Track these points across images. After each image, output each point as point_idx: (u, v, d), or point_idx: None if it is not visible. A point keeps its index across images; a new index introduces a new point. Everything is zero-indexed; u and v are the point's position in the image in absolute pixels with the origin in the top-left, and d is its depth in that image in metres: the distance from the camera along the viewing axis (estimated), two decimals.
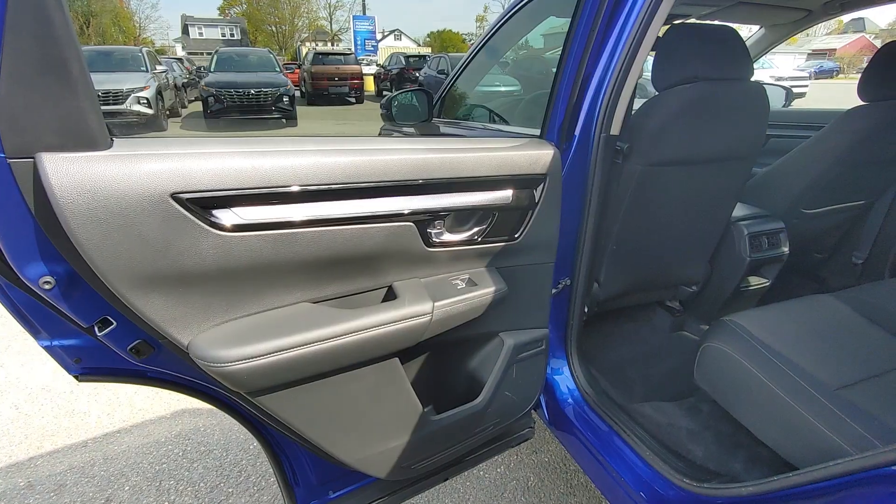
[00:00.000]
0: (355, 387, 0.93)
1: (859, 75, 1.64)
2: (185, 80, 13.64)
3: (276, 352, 0.77)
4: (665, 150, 1.30)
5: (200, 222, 0.69)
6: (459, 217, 1.01)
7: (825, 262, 2.20)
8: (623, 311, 1.88)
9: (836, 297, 1.33)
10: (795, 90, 2.99)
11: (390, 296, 0.95)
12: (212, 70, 10.21)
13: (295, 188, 0.77)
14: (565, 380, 1.44)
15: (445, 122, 2.07)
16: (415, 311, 0.90)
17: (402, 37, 51.33)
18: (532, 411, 1.45)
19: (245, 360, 0.74)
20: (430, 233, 0.96)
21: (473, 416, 1.16)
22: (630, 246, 1.49)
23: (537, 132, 1.18)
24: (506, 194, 1.02)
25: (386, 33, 49.86)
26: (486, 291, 1.01)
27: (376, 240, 0.88)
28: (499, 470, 1.85)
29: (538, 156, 1.03)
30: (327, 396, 0.90)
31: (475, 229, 1.02)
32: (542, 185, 1.06)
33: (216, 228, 0.71)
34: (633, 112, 1.34)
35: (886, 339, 1.19)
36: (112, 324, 0.73)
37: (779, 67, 16.55)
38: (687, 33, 1.25)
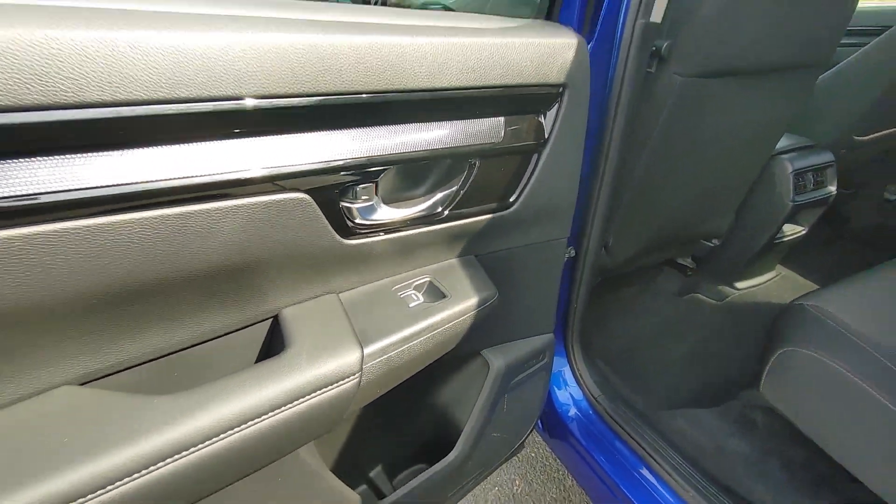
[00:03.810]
0: None
1: None
2: None
3: None
4: (720, 52, 0.85)
5: None
6: (406, 174, 0.53)
7: (850, 197, 1.86)
8: (625, 273, 1.50)
9: None
10: None
11: (276, 340, 0.49)
12: None
13: None
14: (567, 385, 1.06)
15: None
16: (325, 374, 0.44)
17: None
18: None
19: None
20: (349, 208, 0.48)
21: (445, 479, 0.75)
22: (651, 195, 1.07)
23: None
24: (493, 125, 0.54)
25: None
26: (460, 308, 0.56)
27: (227, 234, 0.40)
28: None
29: (551, 50, 0.55)
30: None
31: (438, 196, 0.55)
32: (556, 107, 0.58)
33: None
34: None
35: None
36: None
37: None
38: None
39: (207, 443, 0.39)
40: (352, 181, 0.46)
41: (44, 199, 0.32)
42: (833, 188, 1.38)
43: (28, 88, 0.29)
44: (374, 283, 0.55)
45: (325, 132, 0.43)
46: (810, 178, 1.33)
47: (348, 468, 0.65)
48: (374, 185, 0.48)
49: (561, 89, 0.58)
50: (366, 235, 0.50)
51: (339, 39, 0.41)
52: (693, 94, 0.89)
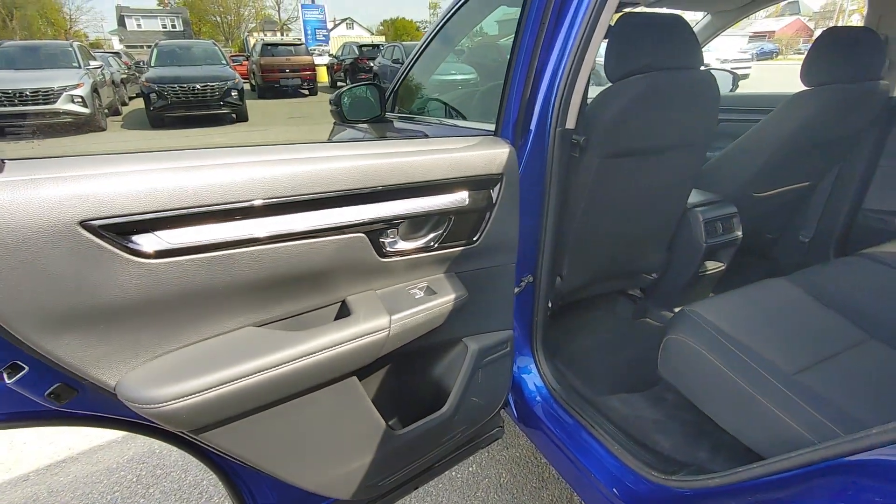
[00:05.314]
0: (311, 411, 0.87)
1: (796, 56, 1.66)
2: (125, 76, 12.86)
3: (219, 385, 0.70)
4: (621, 142, 1.28)
5: (118, 251, 0.62)
6: (414, 224, 0.96)
7: (775, 241, 2.27)
8: (586, 301, 1.88)
9: (789, 281, 1.36)
10: (740, 71, 3.06)
11: (344, 311, 0.89)
12: (152, 64, 9.65)
13: (228, 206, 0.70)
14: (532, 377, 1.42)
15: (399, 117, 2.00)
16: (370, 327, 0.85)
17: (355, 25, 50.27)
18: (501, 410, 1.43)
19: (183, 397, 0.67)
20: (384, 242, 0.90)
21: (440, 426, 1.12)
22: (591, 238, 1.48)
23: (493, 127, 1.14)
24: (461, 197, 0.97)
25: (337, 22, 48.71)
26: (445, 300, 0.97)
27: (325, 254, 0.81)
28: (471, 469, 1.83)
29: (493, 155, 0.99)
30: (281, 424, 0.84)
31: (431, 235, 0.98)
32: (498, 186, 1.01)
33: (137, 256, 0.63)
34: (588, 104, 1.31)
35: (837, 320, 1.22)
36: (23, 369, 0.64)
37: (725, 50, 17.11)
38: (639, 22, 1.23)
39: (313, 356, 0.79)
40: (385, 227, 0.89)
41: (258, 236, 0.74)
42: (739, 233, 1.79)
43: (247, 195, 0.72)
44: (396, 285, 0.97)
45: (373, 203, 0.86)
46: (719, 225, 1.75)
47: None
48: (396, 229, 0.91)
49: (501, 176, 1.01)
50: (391, 257, 0.92)
51: (380, 162, 0.85)
52: (609, 168, 1.32)
